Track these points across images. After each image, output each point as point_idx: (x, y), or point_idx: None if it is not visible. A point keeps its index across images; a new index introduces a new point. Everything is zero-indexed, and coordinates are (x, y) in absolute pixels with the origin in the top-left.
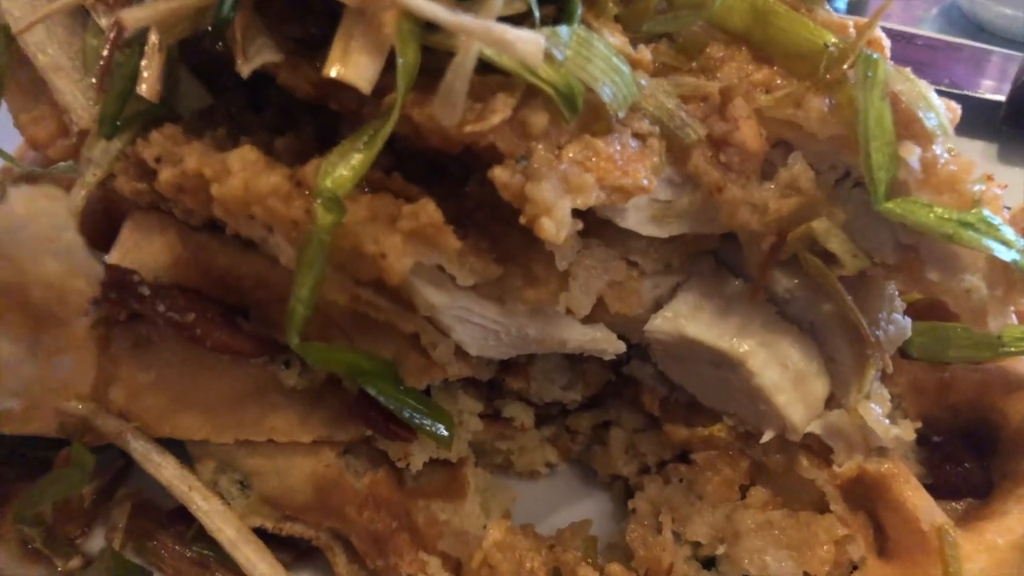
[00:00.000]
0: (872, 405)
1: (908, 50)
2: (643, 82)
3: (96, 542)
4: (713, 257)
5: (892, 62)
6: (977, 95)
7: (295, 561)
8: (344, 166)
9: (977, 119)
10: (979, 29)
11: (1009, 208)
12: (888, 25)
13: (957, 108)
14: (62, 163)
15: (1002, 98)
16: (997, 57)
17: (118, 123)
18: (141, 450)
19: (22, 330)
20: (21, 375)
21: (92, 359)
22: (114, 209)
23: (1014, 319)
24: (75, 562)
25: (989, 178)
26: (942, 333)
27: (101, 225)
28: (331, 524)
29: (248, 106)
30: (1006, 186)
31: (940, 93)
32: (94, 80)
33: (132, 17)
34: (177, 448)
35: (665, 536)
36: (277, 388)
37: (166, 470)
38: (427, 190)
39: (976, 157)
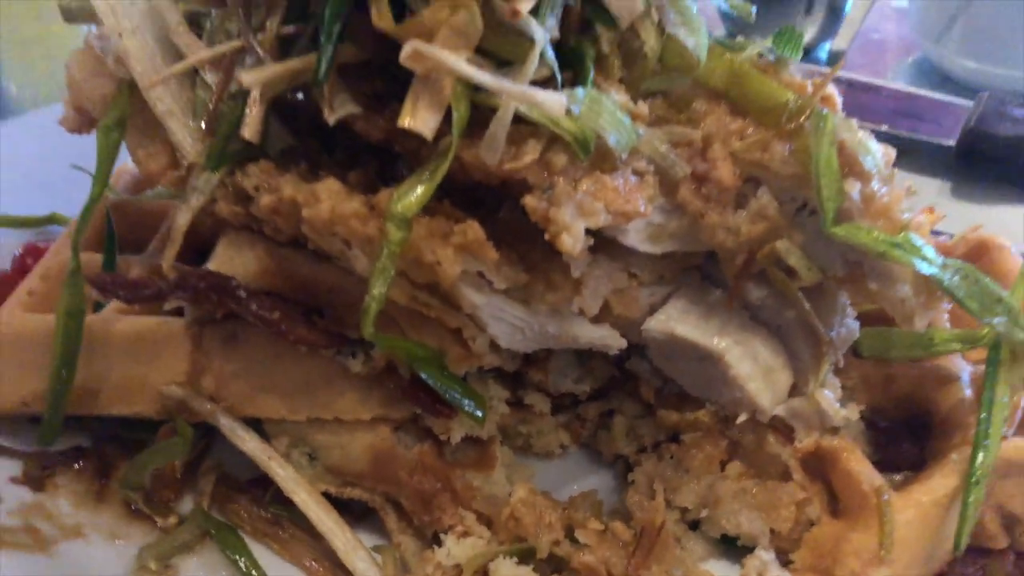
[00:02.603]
0: (826, 392)
1: (875, 99)
2: (641, 131)
3: (186, 506)
4: (698, 271)
5: (845, 113)
6: (934, 140)
7: (354, 520)
8: (411, 195)
9: (935, 160)
10: (946, 79)
11: (952, 235)
12: (859, 77)
13: (892, 151)
14: (149, 191)
15: (953, 142)
16: (953, 106)
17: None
18: (229, 426)
19: None
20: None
21: (186, 353)
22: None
23: (947, 324)
24: (172, 519)
25: (931, 211)
26: (886, 336)
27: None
28: (384, 488)
29: (321, 147)
30: (943, 216)
31: (899, 138)
32: (203, 124)
33: (251, 78)
34: (256, 427)
35: (658, 501)
36: (344, 375)
37: (249, 443)
38: (470, 214)
39: (932, 193)
